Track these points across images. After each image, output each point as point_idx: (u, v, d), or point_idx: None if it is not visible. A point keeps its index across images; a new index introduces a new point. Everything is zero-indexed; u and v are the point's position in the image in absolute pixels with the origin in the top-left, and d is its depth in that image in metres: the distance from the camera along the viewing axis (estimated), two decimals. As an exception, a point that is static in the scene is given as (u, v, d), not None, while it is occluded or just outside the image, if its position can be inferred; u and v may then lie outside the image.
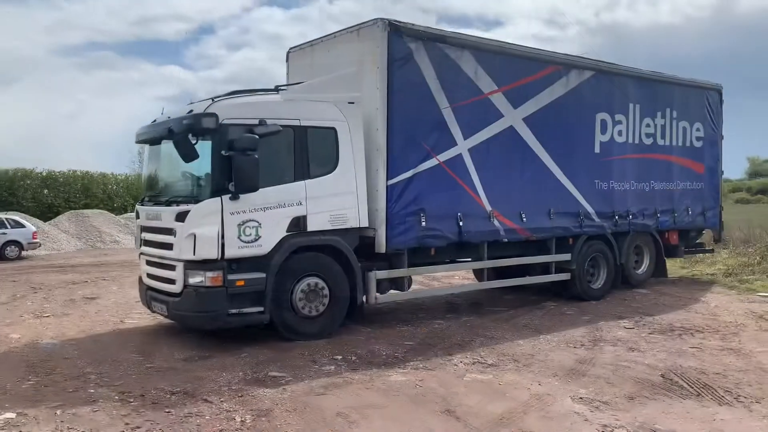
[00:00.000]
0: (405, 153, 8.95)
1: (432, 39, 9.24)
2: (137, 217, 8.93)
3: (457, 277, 13.14)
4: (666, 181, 12.69)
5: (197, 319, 7.83)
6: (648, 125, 12.33)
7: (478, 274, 11.78)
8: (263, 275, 7.85)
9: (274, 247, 7.94)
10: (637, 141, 12.13)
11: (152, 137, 8.60)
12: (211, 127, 7.59)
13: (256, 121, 7.82)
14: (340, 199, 8.46)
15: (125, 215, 28.45)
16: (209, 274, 7.59)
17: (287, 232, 8.04)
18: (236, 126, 7.74)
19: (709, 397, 5.97)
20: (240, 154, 7.53)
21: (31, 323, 9.52)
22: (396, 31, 8.80)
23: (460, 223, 9.53)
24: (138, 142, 9.08)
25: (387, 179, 8.78)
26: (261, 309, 7.87)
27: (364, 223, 8.67)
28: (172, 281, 8.01)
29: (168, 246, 7.98)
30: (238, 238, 7.70)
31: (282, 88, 8.69)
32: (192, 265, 7.69)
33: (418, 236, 9.08)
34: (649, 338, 8.34)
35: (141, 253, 8.98)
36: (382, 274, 8.89)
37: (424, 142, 9.17)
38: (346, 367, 7.08)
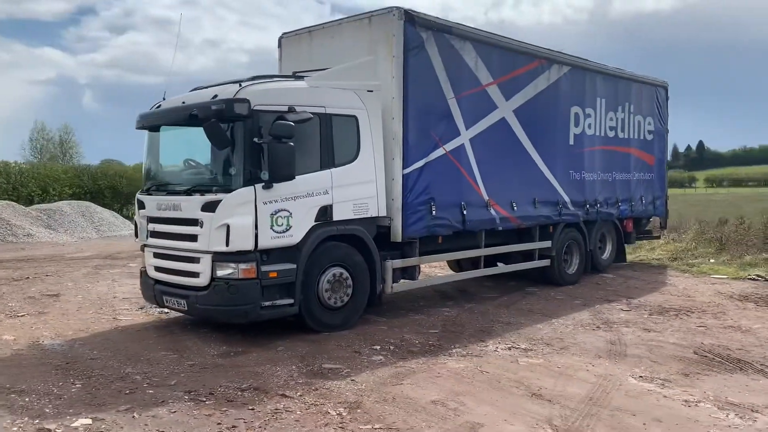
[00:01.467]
0: (418, 142, 8.99)
1: (440, 29, 9.30)
2: (140, 207, 8.43)
3: (437, 267, 13.29)
4: (625, 171, 13.46)
5: (228, 314, 7.51)
6: (611, 119, 13.02)
7: (454, 264, 12.07)
8: (294, 266, 7.66)
9: (304, 236, 7.76)
10: (602, 134, 12.78)
11: (166, 123, 8.14)
12: (243, 113, 7.29)
13: (285, 108, 7.59)
14: (362, 188, 8.39)
15: (36, 206, 26.48)
16: (242, 265, 7.31)
17: (315, 221, 7.88)
18: (267, 112, 7.48)
19: (751, 370, 6.47)
20: (276, 142, 7.29)
21: (11, 323, 8.76)
22: (410, 19, 8.80)
23: (464, 212, 9.69)
24: (144, 127, 8.54)
25: (403, 168, 8.79)
26: (291, 301, 7.68)
27: (383, 212, 8.65)
28: (194, 274, 7.65)
29: (191, 237, 7.60)
30: (271, 228, 7.47)
31: (300, 74, 8.46)
32: (221, 257, 7.38)
33: (428, 225, 9.16)
34: (652, 319, 8.87)
35: (144, 246, 8.50)
36: (398, 263, 8.90)
37: (433, 131, 9.24)
38: (391, 356, 7.06)
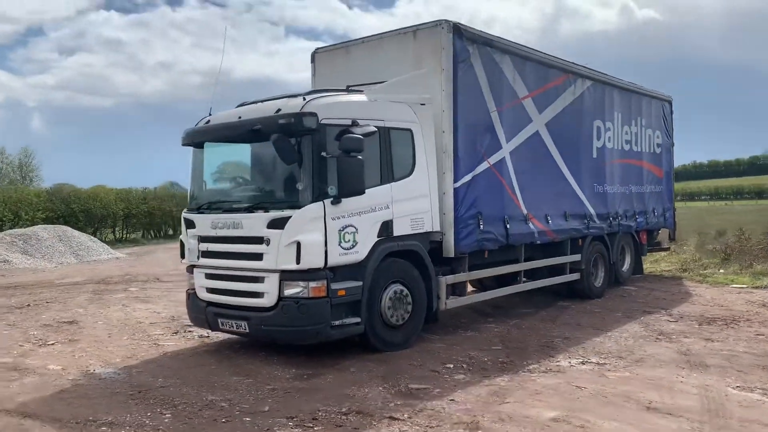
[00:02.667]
0: (466, 155, 8.89)
1: (483, 42, 9.26)
2: (189, 226, 8.07)
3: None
4: (639, 184, 13.62)
5: (298, 334, 7.21)
6: (626, 132, 13.17)
7: (476, 282, 11.86)
8: (360, 283, 7.42)
9: (368, 253, 7.54)
10: (619, 147, 12.91)
11: (224, 138, 7.85)
12: (311, 126, 7.07)
13: (349, 122, 7.40)
14: (418, 203, 8.22)
15: (9, 231, 25.39)
16: (313, 284, 7.04)
17: (378, 237, 7.67)
18: (332, 126, 7.28)
19: None
20: (345, 156, 7.08)
21: (46, 352, 8.26)
22: (458, 33, 8.73)
23: (507, 226, 9.61)
24: (191, 144, 8.21)
25: (453, 182, 8.67)
26: (358, 320, 7.42)
27: (437, 227, 8.49)
28: (257, 294, 7.34)
29: (254, 256, 7.30)
30: (339, 244, 7.23)
31: (353, 88, 8.28)
32: (290, 276, 7.10)
33: (478, 239, 9.04)
34: (705, 329, 8.89)
35: (192, 266, 8.14)
36: (451, 278, 8.74)
37: (478, 144, 9.16)
38: (471, 374, 6.87)
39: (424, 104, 8.42)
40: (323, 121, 7.16)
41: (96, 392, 6.41)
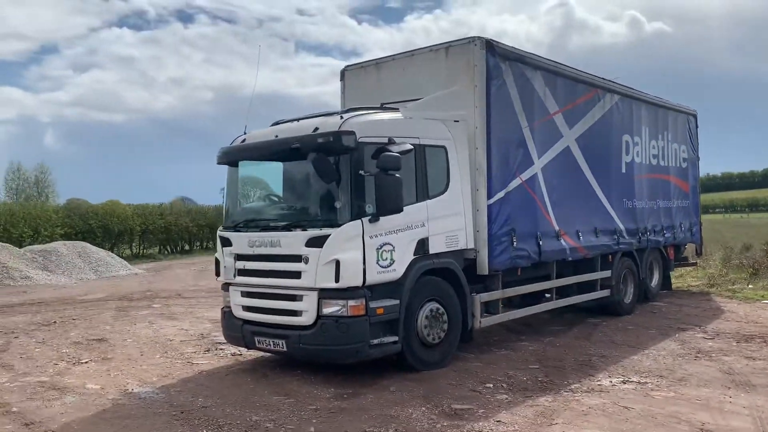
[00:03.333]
0: (499, 172, 8.84)
1: (515, 59, 9.24)
2: (225, 244, 8.06)
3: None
4: (667, 199, 13.51)
5: (337, 353, 7.16)
6: (654, 146, 13.09)
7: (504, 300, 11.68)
8: (397, 302, 7.38)
9: (405, 271, 7.50)
10: (647, 161, 12.82)
11: (260, 157, 7.86)
12: (350, 145, 7.07)
13: (386, 139, 7.39)
14: (453, 220, 8.18)
15: (29, 247, 25.56)
16: (351, 302, 7.00)
17: (414, 255, 7.63)
18: (370, 144, 7.27)
19: None
20: (383, 174, 7.07)
21: (82, 371, 8.25)
22: (491, 49, 8.72)
23: (540, 243, 9.53)
24: (227, 162, 8.23)
25: (487, 199, 8.63)
26: (396, 338, 7.37)
27: (471, 244, 8.44)
28: (295, 313, 7.31)
29: (292, 274, 7.28)
30: (377, 262, 7.19)
31: (387, 105, 8.28)
32: (329, 294, 7.06)
33: (511, 256, 8.97)
34: (744, 347, 8.75)
35: (227, 284, 8.12)
36: (485, 296, 8.67)
37: (511, 161, 9.12)
38: (513, 394, 6.79)
39: (457, 121, 8.40)
40: (361, 140, 7.16)
41: (138, 412, 6.38)
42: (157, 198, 51.38)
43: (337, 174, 7.05)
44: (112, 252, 27.70)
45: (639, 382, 7.17)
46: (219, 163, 8.32)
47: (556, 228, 9.95)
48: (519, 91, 9.27)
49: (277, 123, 8.43)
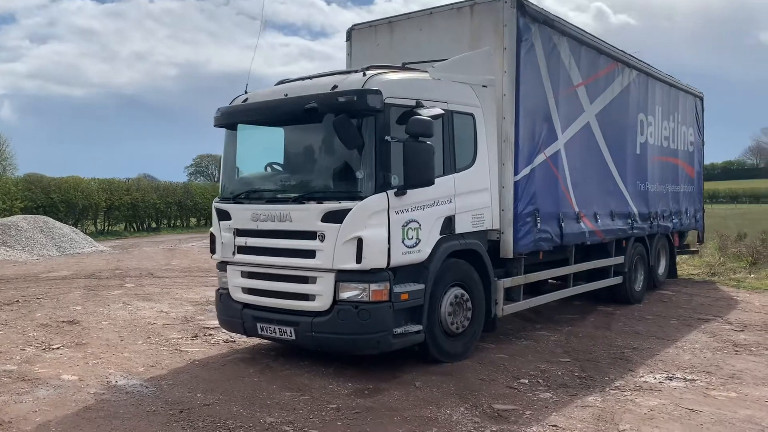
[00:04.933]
0: (526, 146, 8.05)
1: (543, 21, 8.42)
2: (222, 218, 7.11)
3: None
4: (675, 183, 12.92)
5: (357, 344, 6.29)
6: (665, 128, 12.46)
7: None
8: (422, 286, 6.55)
9: (431, 252, 6.67)
10: (659, 143, 12.18)
11: (269, 118, 6.90)
12: (376, 106, 6.17)
13: (413, 102, 6.52)
14: (479, 197, 7.37)
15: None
16: (374, 286, 6.14)
17: (440, 234, 6.80)
18: (397, 106, 6.40)
19: None
20: (413, 141, 6.19)
21: (54, 359, 7.24)
22: (521, 8, 7.88)
23: (562, 224, 8.80)
24: (225, 125, 7.25)
25: (514, 175, 7.83)
26: (419, 327, 6.54)
27: (496, 225, 7.65)
28: (307, 297, 6.42)
29: (305, 253, 6.38)
30: (402, 242, 6.34)
31: (409, 65, 7.38)
32: (347, 276, 6.19)
33: (534, 239, 8.20)
34: (780, 340, 8.18)
35: (224, 263, 7.18)
36: (508, 282, 7.89)
37: (537, 134, 8.33)
38: (554, 391, 6.04)
39: (486, 86, 7.56)
40: (387, 101, 6.27)
41: (128, 411, 5.44)
42: (119, 174, 49.38)
43: (360, 139, 6.15)
44: (76, 228, 26.26)
45: (686, 379, 6.49)
46: (217, 125, 7.33)
47: (577, 209, 9.22)
48: (546, 58, 8.47)
49: (282, 82, 7.49)
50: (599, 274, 10.35)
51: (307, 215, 6.33)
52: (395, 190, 6.24)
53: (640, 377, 6.56)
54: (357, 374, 6.49)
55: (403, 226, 6.33)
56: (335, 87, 6.35)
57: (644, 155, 11.52)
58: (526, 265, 8.39)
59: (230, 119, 7.17)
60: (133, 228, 31.36)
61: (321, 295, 6.29)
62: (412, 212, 6.42)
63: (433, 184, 6.35)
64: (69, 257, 20.72)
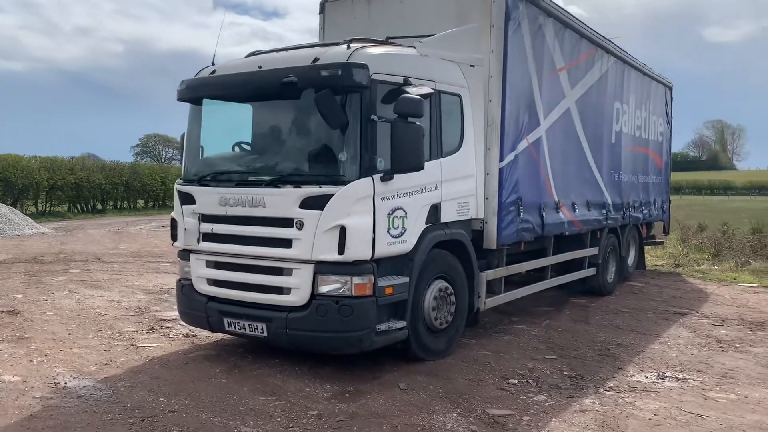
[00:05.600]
0: (511, 131, 7.63)
1: (530, 0, 7.98)
2: (186, 201, 6.46)
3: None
4: (645, 174, 12.76)
5: (335, 342, 5.76)
6: (638, 117, 12.26)
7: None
8: (406, 279, 6.06)
9: (416, 242, 6.18)
10: (632, 132, 11.96)
11: (240, 92, 6.25)
12: (362, 82, 5.62)
13: (401, 79, 5.99)
14: (465, 184, 6.92)
15: None
16: (357, 279, 5.62)
17: (426, 223, 6.32)
18: (383, 83, 5.87)
19: None
20: (402, 122, 5.67)
21: (-8, 356, 6.50)
22: (510, -16, 7.41)
23: (543, 214, 8.43)
24: (189, 99, 6.57)
25: (499, 161, 7.40)
26: (403, 324, 6.06)
27: (480, 214, 7.21)
28: (281, 290, 5.86)
29: (280, 242, 5.81)
30: (387, 231, 5.84)
31: (392, 39, 6.83)
32: (328, 268, 5.65)
33: (517, 229, 7.81)
34: (761, 336, 8.01)
35: (188, 251, 6.54)
36: (491, 274, 7.49)
37: (521, 119, 7.91)
38: (548, 394, 5.66)
39: (473, 66, 7.08)
40: (374, 77, 5.73)
41: (81, 419, 4.79)
42: (58, 153, 47.09)
43: (344, 118, 5.59)
44: (15, 208, 24.84)
45: (678, 378, 6.21)
46: (181, 100, 6.65)
47: (556, 199, 8.87)
48: (532, 39, 8.06)
49: (253, 54, 6.85)
50: (573, 266, 10.06)
51: (283, 201, 5.75)
52: (381, 174, 5.72)
53: (632, 377, 6.25)
54: (334, 374, 5.98)
55: (389, 214, 5.83)
56: (316, 60, 5.76)
57: (619, 144, 11.27)
58: (506, 257, 8.01)
59: (196, 93, 6.50)
60: (77, 209, 29.96)
61: (297, 288, 5.74)
62: (398, 199, 5.92)
63: (423, 168, 5.85)
64: (7, 239, 19.48)
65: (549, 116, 8.67)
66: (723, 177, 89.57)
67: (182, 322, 7.40)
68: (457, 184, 6.74)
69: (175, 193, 6.62)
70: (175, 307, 9.00)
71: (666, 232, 14.72)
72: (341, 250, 5.53)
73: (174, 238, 6.67)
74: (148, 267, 13.46)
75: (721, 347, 7.42)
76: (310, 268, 5.67)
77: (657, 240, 14.61)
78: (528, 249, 8.61)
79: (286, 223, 5.73)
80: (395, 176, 5.78)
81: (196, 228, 6.35)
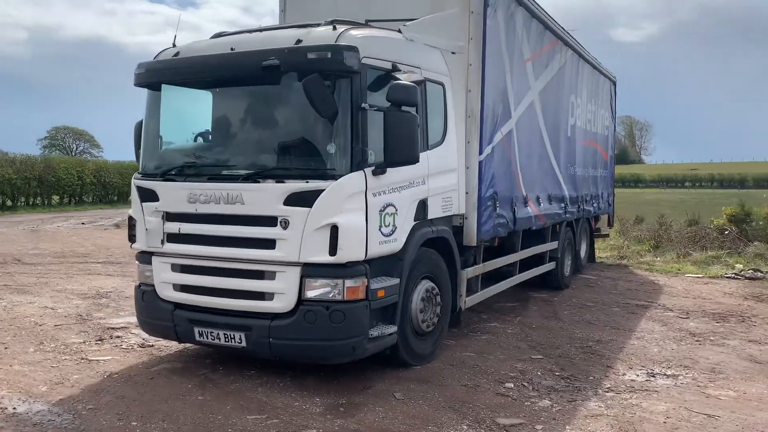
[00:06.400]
0: (489, 123, 7.33)
1: (503, -13, 7.69)
2: (147, 198, 5.79)
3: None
4: (594, 167, 12.81)
5: (326, 351, 5.26)
6: (589, 111, 12.28)
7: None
8: (397, 281, 5.65)
9: (406, 240, 5.78)
10: (584, 126, 11.97)
11: (210, 76, 5.62)
12: (353, 67, 5.15)
13: (389, 65, 5.56)
14: (448, 178, 6.57)
15: None
16: (349, 282, 5.16)
17: (414, 220, 5.92)
18: (373, 69, 5.42)
19: None
20: (396, 111, 5.24)
21: None
22: (487, -32, 7.09)
23: (515, 208, 8.21)
24: (156, 83, 5.88)
25: (479, 154, 7.09)
26: (394, 328, 5.65)
27: (462, 209, 6.89)
28: (262, 296, 5.32)
29: (261, 243, 5.26)
30: (379, 229, 5.41)
31: (372, 22, 6.36)
32: (316, 271, 5.16)
33: (494, 224, 7.55)
34: (729, 327, 8.06)
35: (149, 254, 5.88)
36: (471, 271, 7.18)
37: (496, 111, 7.63)
38: (550, 398, 5.40)
39: (455, 53, 6.73)
40: (364, 61, 5.26)
41: (46, 453, 4.12)
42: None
43: (334, 106, 5.10)
44: None
45: (669, 375, 6.10)
46: (138, 84, 5.96)
47: (524, 193, 8.67)
48: (506, 27, 7.80)
49: (219, 35, 6.24)
50: (535, 261, 9.91)
51: (264, 197, 5.21)
52: (373, 168, 5.26)
53: (623, 375, 6.09)
54: (320, 385, 5.51)
55: (380, 210, 5.40)
56: (299, 42, 5.23)
57: (574, 138, 11.22)
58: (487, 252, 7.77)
59: (159, 77, 5.83)
60: (-19, 205, 27.73)
61: (282, 293, 5.22)
62: (389, 195, 5.50)
63: (418, 161, 5.43)
64: None
65: (518, 108, 8.44)
66: (633, 171, 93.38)
67: (134, 331, 6.73)
68: (442, 178, 6.37)
69: (133, 188, 5.94)
70: (121, 314, 8.36)
71: (611, 224, 14.93)
72: (333, 250, 5.05)
73: (132, 239, 5.98)
74: (76, 268, 12.44)
75: (697, 341, 7.39)
76: (297, 270, 5.16)
77: (603, 233, 14.79)
78: (498, 245, 8.38)
79: (269, 221, 5.19)
80: (389, 170, 5.34)
81: (159, 228, 5.70)
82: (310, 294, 5.16)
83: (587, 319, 8.49)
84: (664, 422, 4.84)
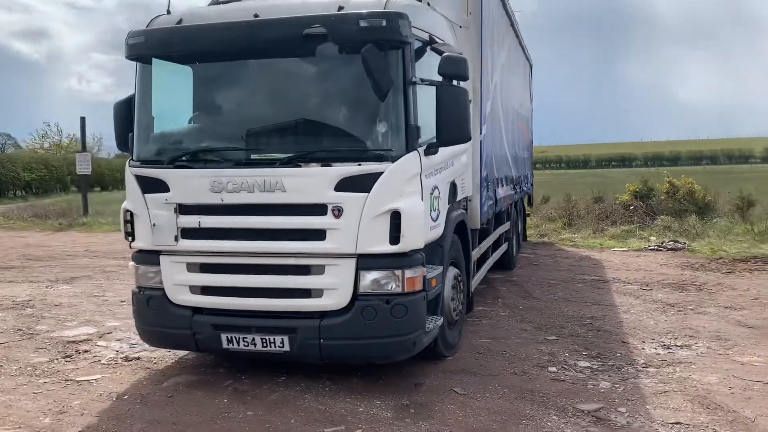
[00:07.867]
0: (484, 100, 7.13)
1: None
2: (152, 190, 4.98)
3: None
4: (523, 149, 13.04)
5: (388, 348, 4.79)
6: (521, 94, 12.44)
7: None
8: (441, 269, 5.30)
9: (445, 226, 5.43)
10: (518, 108, 12.10)
11: (230, 45, 4.84)
12: (406, 37, 4.68)
13: (427, 37, 5.17)
14: (464, 159, 6.27)
15: None
16: (409, 272, 4.74)
17: (447, 203, 5.58)
18: (417, 41, 4.99)
19: None
20: (449, 85, 4.86)
21: None
22: (483, -61, 6.84)
23: (497, 189, 8.11)
24: (149, 55, 5.02)
25: (480, 133, 6.87)
26: (441, 319, 5.31)
27: (470, 191, 6.64)
28: (309, 293, 4.76)
29: (309, 234, 4.69)
30: (429, 214, 5.02)
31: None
32: (373, 262, 4.69)
33: (488, 206, 7.39)
34: (696, 296, 8.43)
35: (156, 253, 5.09)
36: (474, 254, 6.95)
37: (487, 89, 7.45)
38: (596, 378, 5.32)
39: (461, 27, 6.43)
40: (413, 31, 4.82)
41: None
42: None
43: (390, 80, 4.62)
44: None
45: (683, 346, 6.23)
46: (134, 57, 5.09)
47: (496, 175, 8.58)
48: (494, 4, 7.60)
49: (217, 2, 5.49)
50: (494, 243, 9.89)
51: (311, 183, 4.64)
52: (424, 147, 4.85)
53: (643, 349, 6.15)
54: (369, 386, 5.06)
55: (431, 194, 5.01)
56: (341, 8, 4.68)
57: (515, 119, 11.32)
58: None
59: (164, 48, 4.98)
60: None
61: (334, 288, 4.69)
62: (435, 176, 5.15)
63: (471, 139, 5.09)
64: None
65: (494, 87, 8.30)
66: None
67: (99, 343, 5.91)
68: (460, 158, 6.07)
69: (131, 178, 5.09)
70: (68, 324, 7.34)
71: (531, 204, 15.32)
72: (395, 239, 4.59)
73: (131, 236, 5.13)
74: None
75: (679, 311, 7.66)
76: (351, 263, 4.66)
77: (526, 212, 15.13)
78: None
79: (317, 210, 4.64)
80: (441, 149, 4.96)
81: (172, 223, 4.92)
82: (368, 288, 4.67)
83: (562, 296, 8.58)
84: (731, 393, 4.89)
